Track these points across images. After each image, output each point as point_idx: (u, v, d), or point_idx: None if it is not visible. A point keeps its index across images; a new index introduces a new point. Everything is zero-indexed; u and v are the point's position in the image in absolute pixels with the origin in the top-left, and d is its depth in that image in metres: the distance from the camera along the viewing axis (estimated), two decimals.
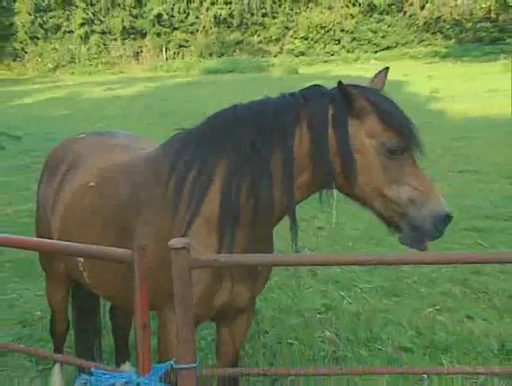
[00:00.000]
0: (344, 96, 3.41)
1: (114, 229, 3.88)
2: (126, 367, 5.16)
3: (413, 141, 3.45)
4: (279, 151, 3.45)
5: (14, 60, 54.76)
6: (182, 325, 2.74)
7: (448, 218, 3.43)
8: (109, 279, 3.99)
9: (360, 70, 40.81)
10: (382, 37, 53.86)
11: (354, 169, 3.40)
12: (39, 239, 3.36)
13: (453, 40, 52.08)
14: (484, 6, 46.34)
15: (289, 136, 3.45)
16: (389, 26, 53.94)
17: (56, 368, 5.01)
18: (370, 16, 54.51)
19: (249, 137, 3.50)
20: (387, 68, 3.83)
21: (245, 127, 3.55)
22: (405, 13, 53.27)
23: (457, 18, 50.25)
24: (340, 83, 3.42)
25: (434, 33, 53.25)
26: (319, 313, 6.54)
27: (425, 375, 5.11)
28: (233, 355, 4.07)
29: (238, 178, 3.48)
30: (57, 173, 4.62)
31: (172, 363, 2.79)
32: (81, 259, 4.16)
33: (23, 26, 54.14)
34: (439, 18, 51.23)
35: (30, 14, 53.89)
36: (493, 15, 49.06)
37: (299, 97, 3.56)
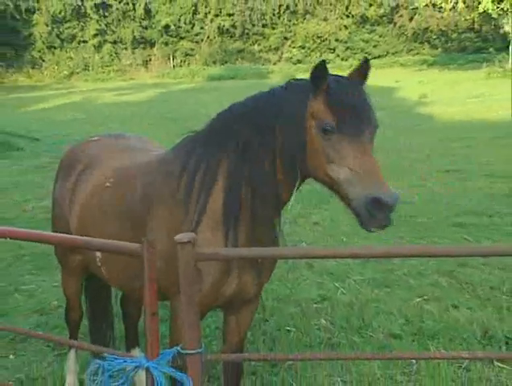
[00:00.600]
0: (311, 80, 3.25)
1: (130, 227, 3.88)
2: (136, 352, 5.15)
3: (349, 124, 3.13)
4: (268, 149, 3.39)
5: (33, 68, 54.72)
6: (188, 313, 2.74)
7: (381, 203, 2.97)
8: (125, 273, 3.99)
9: None
10: (374, 46, 53.97)
11: (303, 149, 3.25)
12: (56, 234, 3.36)
13: (440, 49, 52.20)
14: (468, 18, 46.24)
15: (271, 132, 3.37)
16: (380, 37, 54.04)
17: (71, 354, 5.01)
18: (363, 27, 54.61)
19: (245, 136, 3.45)
20: (367, 60, 3.44)
21: (241, 126, 3.49)
22: (395, 24, 53.32)
23: (443, 29, 50.34)
24: (322, 62, 3.21)
25: (422, 43, 53.35)
26: (315, 302, 6.53)
27: (413, 360, 5.12)
28: (238, 342, 4.04)
29: (238, 177, 3.45)
30: (72, 173, 4.60)
31: (179, 348, 2.79)
32: (99, 255, 4.16)
33: (41, 36, 54.12)
34: (426, 29, 51.32)
35: (47, 25, 53.88)
36: (476, 26, 49.08)
37: (282, 91, 3.49)
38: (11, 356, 5.61)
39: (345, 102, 3.19)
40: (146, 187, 3.86)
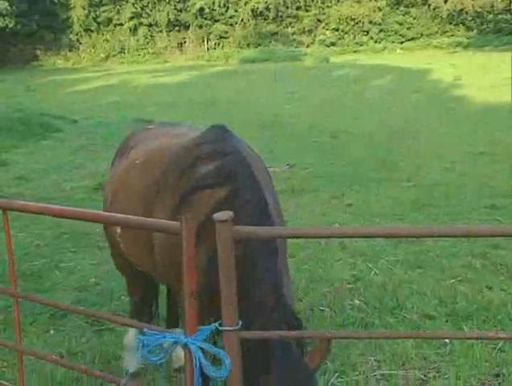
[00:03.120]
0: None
1: (143, 206, 3.89)
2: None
3: None
4: None
5: (70, 51, 55.08)
6: (225, 291, 2.75)
7: None
8: (139, 249, 4.04)
9: (386, 59, 40.43)
10: (408, 28, 53.14)
11: None
12: (90, 210, 3.39)
13: (475, 31, 51.18)
14: None
15: None
16: (414, 19, 53.17)
17: (131, 331, 4.89)
18: (397, 9, 53.77)
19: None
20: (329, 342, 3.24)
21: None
22: (429, 6, 52.39)
23: (479, 10, 49.37)
24: None
25: (456, 24, 52.38)
26: (348, 283, 6.52)
27: (447, 341, 5.09)
28: None
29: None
30: (120, 160, 4.68)
31: (217, 325, 2.81)
32: (118, 230, 4.24)
33: (78, 19, 54.37)
34: (461, 10, 50.39)
35: (84, 9, 54.10)
36: None
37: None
38: (51, 331, 5.72)
39: None
40: (161, 171, 3.88)
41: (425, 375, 4.77)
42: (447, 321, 5.55)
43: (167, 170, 3.84)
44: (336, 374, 4.79)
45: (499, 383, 4.62)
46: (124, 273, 4.95)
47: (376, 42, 53.02)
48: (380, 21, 53.38)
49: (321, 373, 4.71)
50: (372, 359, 4.97)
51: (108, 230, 4.56)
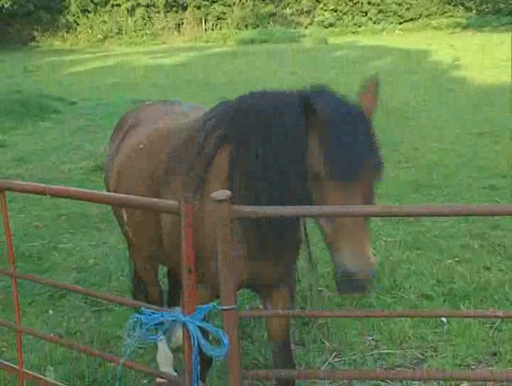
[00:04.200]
0: (306, 112, 2.91)
1: (151, 191, 3.85)
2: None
3: (338, 170, 2.81)
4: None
5: (67, 32, 54.66)
6: (223, 270, 2.76)
7: (350, 276, 2.75)
8: (146, 235, 4.05)
9: (385, 40, 40.25)
10: (407, 9, 52.79)
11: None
12: (92, 191, 3.40)
13: (474, 12, 50.92)
14: None
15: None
16: None
17: (161, 346, 4.74)
18: None
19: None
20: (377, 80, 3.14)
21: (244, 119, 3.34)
22: None
23: None
24: (308, 101, 2.89)
25: (455, 5, 52.07)
26: None
27: (444, 320, 5.11)
28: (282, 330, 3.80)
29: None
30: (118, 137, 4.65)
31: (215, 304, 2.82)
32: (125, 217, 4.22)
33: (75, 0, 54.02)
34: None
35: None
36: None
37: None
38: (50, 311, 5.75)
39: (338, 144, 2.85)
40: (169, 153, 3.84)
41: (422, 355, 4.81)
42: (444, 301, 5.57)
43: (174, 158, 3.77)
44: (334, 353, 4.83)
45: (496, 362, 4.65)
46: (145, 277, 4.83)
47: (375, 23, 52.71)
48: (379, 1, 53.03)
49: (318, 353, 4.74)
50: (369, 338, 5.00)
51: (119, 220, 4.50)
